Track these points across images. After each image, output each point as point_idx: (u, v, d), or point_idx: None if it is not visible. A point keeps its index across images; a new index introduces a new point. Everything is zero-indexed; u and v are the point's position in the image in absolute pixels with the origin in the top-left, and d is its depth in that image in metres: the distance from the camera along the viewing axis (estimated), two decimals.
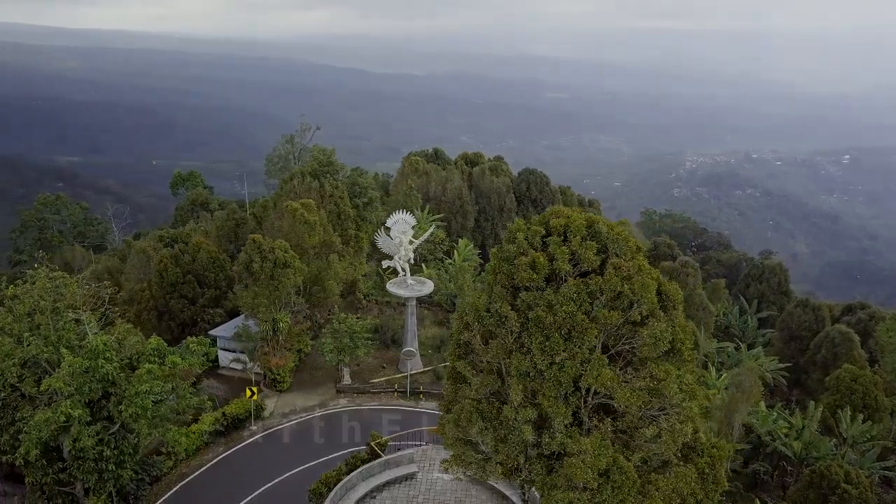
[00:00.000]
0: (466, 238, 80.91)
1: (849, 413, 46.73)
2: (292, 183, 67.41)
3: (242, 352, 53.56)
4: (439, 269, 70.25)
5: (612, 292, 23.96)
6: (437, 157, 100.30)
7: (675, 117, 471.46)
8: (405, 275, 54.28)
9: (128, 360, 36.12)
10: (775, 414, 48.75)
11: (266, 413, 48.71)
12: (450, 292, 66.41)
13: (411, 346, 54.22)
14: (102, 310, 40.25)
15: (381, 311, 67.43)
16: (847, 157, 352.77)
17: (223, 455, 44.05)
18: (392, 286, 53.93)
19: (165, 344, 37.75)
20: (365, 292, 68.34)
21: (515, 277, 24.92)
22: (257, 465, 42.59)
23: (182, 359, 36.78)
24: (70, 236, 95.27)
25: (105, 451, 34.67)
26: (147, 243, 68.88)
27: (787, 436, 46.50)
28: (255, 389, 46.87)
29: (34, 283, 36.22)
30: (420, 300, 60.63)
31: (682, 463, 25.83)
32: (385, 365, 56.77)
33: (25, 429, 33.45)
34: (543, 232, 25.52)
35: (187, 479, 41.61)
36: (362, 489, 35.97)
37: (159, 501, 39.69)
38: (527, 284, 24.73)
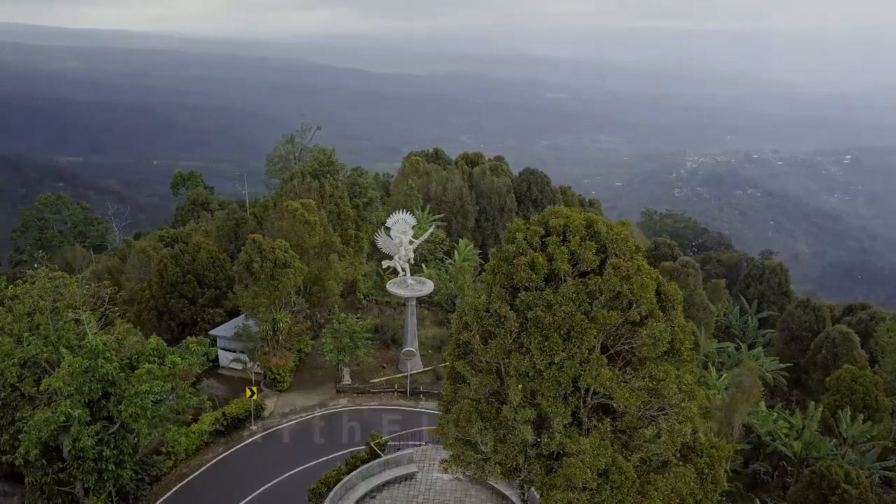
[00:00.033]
0: (467, 238, 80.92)
1: (849, 413, 46.72)
2: (292, 183, 67.43)
3: (242, 352, 53.59)
4: (439, 269, 70.26)
5: (611, 292, 23.96)
6: (437, 157, 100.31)
7: (676, 117, 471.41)
8: (405, 275, 54.28)
9: (127, 360, 36.14)
10: (775, 414, 48.74)
11: (266, 413, 48.72)
12: (450, 292, 66.41)
13: (411, 346, 54.22)
14: (102, 310, 40.25)
15: (381, 311, 67.44)
16: (848, 157, 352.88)
17: (223, 455, 44.06)
18: (392, 286, 53.93)
19: (165, 344, 37.77)
20: (365, 292, 68.36)
21: (514, 277, 24.92)
22: (257, 464, 42.60)
23: (182, 359, 36.79)
24: (71, 236, 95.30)
25: (105, 451, 34.68)
26: (147, 243, 68.90)
27: (787, 436, 46.48)
28: (255, 389, 46.87)
29: (34, 283, 36.22)
30: (420, 300, 60.62)
31: (681, 463, 25.82)
32: (385, 365, 56.77)
33: (25, 428, 33.45)
34: (542, 232, 25.52)
35: (187, 479, 41.62)
36: (362, 489, 35.96)
37: (159, 501, 39.70)
38: (526, 284, 24.73)
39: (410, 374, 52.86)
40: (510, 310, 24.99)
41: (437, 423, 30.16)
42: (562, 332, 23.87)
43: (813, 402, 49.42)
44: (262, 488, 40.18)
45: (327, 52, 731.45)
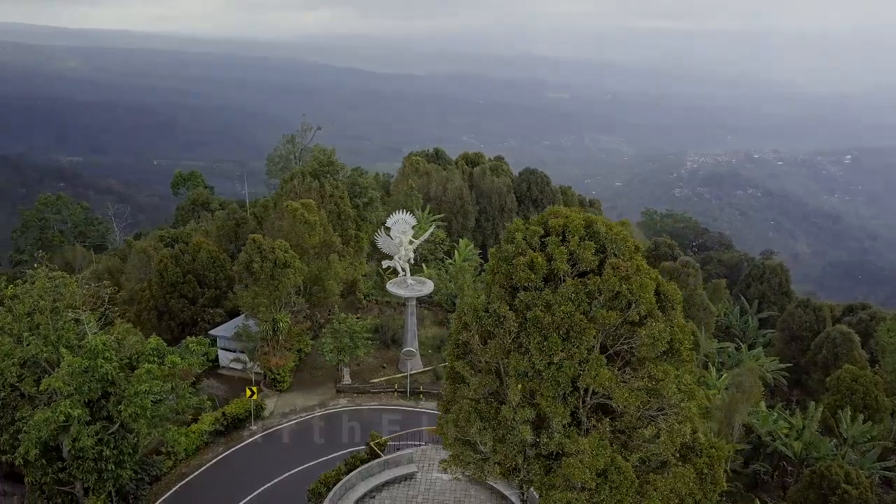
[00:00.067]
0: (467, 238, 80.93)
1: (849, 413, 46.70)
2: (293, 183, 67.45)
3: (242, 352, 53.60)
4: (439, 269, 70.27)
5: (611, 292, 23.95)
6: (437, 157, 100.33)
7: (676, 117, 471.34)
8: (405, 275, 54.29)
9: (127, 360, 36.16)
10: (776, 414, 48.73)
11: (266, 413, 48.74)
12: (450, 292, 66.41)
13: (411, 346, 54.23)
14: (102, 309, 40.27)
15: (381, 311, 67.45)
16: (848, 157, 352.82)
17: (223, 455, 44.08)
18: (392, 286, 53.93)
19: (165, 344, 37.79)
20: (365, 292, 68.37)
21: (514, 277, 24.91)
22: (257, 464, 42.62)
23: (181, 358, 36.80)
24: (71, 236, 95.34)
25: (104, 451, 34.70)
26: (147, 243, 68.95)
27: (787, 436, 46.47)
28: (254, 389, 46.89)
29: (34, 283, 36.25)
30: (420, 300, 60.63)
31: (680, 463, 25.82)
32: (385, 365, 56.78)
33: (25, 428, 33.47)
34: (542, 232, 25.52)
35: (187, 479, 41.64)
36: (361, 489, 35.96)
37: (159, 501, 39.72)
38: (525, 284, 24.72)
39: (410, 374, 52.86)
40: (509, 310, 24.99)
41: (436, 423, 30.16)
42: (561, 332, 23.87)
43: (813, 403, 49.41)
44: (262, 488, 40.20)
45: (327, 52, 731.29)
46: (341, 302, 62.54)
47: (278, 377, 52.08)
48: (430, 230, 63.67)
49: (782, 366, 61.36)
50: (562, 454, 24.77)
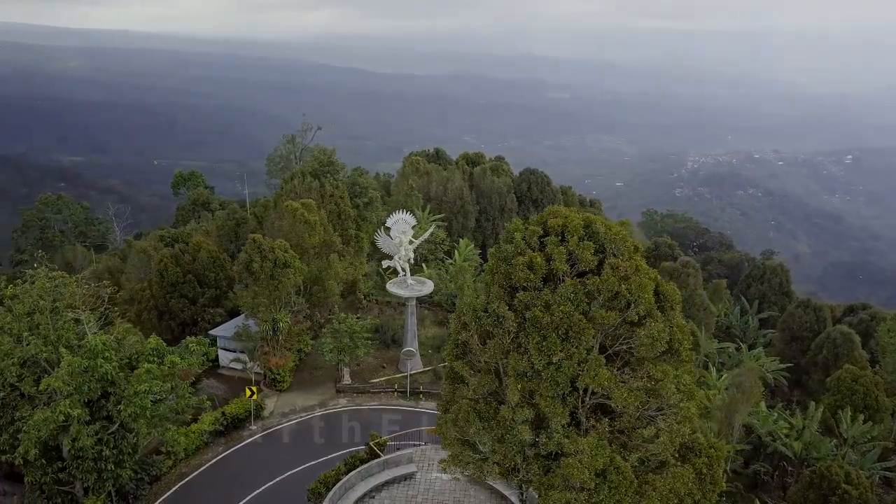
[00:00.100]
0: (467, 238, 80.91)
1: (849, 413, 46.68)
2: (293, 183, 67.45)
3: (242, 351, 53.60)
4: (440, 269, 70.26)
5: (610, 292, 23.95)
6: (438, 157, 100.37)
7: (676, 117, 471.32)
8: (405, 275, 54.28)
9: (127, 360, 36.17)
10: (776, 414, 48.71)
11: (266, 413, 48.73)
12: (450, 292, 66.41)
13: (411, 346, 54.22)
14: (102, 309, 40.25)
15: (381, 311, 67.45)
16: (849, 157, 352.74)
17: (223, 455, 44.07)
18: (392, 286, 53.93)
19: (164, 343, 37.82)
20: (365, 292, 68.37)
21: (513, 277, 24.91)
22: (257, 464, 42.62)
23: (181, 358, 36.84)
24: (71, 236, 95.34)
25: (104, 451, 34.72)
26: (148, 243, 68.97)
27: (787, 436, 46.45)
28: (254, 389, 46.88)
29: (34, 283, 36.26)
30: (420, 300, 60.62)
31: (679, 463, 25.82)
32: (385, 365, 56.77)
33: (25, 428, 33.48)
34: (541, 232, 25.52)
35: (187, 479, 41.62)
36: (361, 489, 35.97)
37: (158, 501, 39.70)
38: (524, 284, 24.72)
39: (410, 374, 52.86)
40: (508, 310, 24.98)
41: (436, 423, 30.16)
42: (560, 332, 23.86)
43: (813, 403, 49.39)
44: (262, 488, 40.19)
45: (328, 52, 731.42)
46: (341, 302, 62.53)
47: (278, 377, 52.08)
48: (431, 230, 63.67)
49: (782, 366, 61.33)
50: (561, 454, 24.77)
